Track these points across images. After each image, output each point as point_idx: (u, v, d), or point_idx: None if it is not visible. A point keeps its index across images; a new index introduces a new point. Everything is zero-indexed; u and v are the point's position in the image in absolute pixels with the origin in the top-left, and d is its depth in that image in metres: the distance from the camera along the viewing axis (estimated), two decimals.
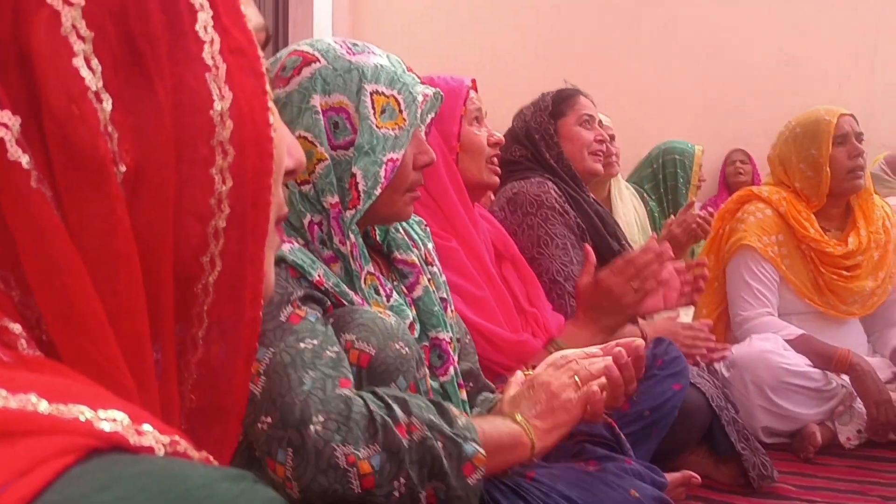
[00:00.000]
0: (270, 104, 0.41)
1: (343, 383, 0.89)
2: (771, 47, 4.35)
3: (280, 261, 0.96)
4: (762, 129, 4.21)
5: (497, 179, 1.66)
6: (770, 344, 2.20)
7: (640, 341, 1.10)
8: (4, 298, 0.33)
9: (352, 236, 1.04)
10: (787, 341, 2.22)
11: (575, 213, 1.95)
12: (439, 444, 0.89)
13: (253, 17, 0.42)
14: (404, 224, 1.22)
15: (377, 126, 1.02)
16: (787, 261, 2.32)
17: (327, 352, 0.91)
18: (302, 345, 0.90)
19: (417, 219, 1.28)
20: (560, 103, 2.10)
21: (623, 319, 1.55)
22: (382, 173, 1.02)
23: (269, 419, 0.87)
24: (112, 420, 0.29)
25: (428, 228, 1.29)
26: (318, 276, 0.99)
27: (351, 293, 1.02)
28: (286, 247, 0.98)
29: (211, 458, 0.33)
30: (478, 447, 0.91)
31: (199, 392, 0.43)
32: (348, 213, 1.03)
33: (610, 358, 1.09)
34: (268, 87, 0.41)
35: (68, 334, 0.33)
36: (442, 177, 1.53)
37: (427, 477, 0.88)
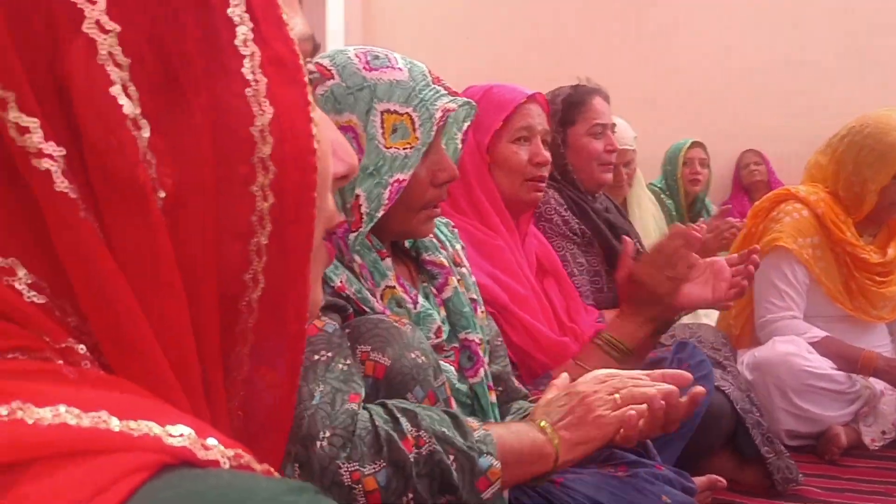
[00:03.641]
0: (313, 114, 0.40)
1: (352, 398, 0.88)
2: (772, 48, 4.31)
3: None
4: (768, 129, 4.19)
5: (536, 196, 1.61)
6: (793, 346, 2.17)
7: (700, 389, 1.01)
8: (63, 325, 0.33)
9: (357, 258, 1.03)
10: (810, 344, 2.19)
11: (579, 219, 1.92)
12: (451, 457, 0.87)
13: (299, 26, 0.41)
14: None
15: (385, 146, 1.00)
16: (822, 263, 2.25)
17: (339, 364, 0.90)
18: (316, 356, 0.90)
19: (445, 220, 1.27)
20: (571, 109, 2.01)
21: (665, 308, 1.51)
22: (387, 195, 1.00)
23: None
24: (180, 435, 0.30)
25: (455, 230, 1.28)
26: (341, 282, 0.99)
27: (373, 300, 1.02)
28: None
29: (272, 469, 0.33)
30: (493, 461, 0.89)
31: (247, 409, 0.43)
32: (352, 236, 1.02)
33: (657, 388, 1.01)
34: (310, 98, 0.40)
35: (122, 359, 0.33)
36: (473, 186, 1.53)
37: (438, 490, 0.87)
